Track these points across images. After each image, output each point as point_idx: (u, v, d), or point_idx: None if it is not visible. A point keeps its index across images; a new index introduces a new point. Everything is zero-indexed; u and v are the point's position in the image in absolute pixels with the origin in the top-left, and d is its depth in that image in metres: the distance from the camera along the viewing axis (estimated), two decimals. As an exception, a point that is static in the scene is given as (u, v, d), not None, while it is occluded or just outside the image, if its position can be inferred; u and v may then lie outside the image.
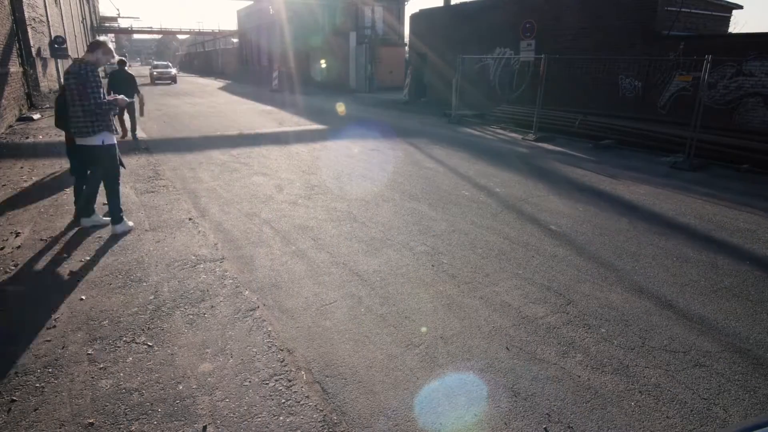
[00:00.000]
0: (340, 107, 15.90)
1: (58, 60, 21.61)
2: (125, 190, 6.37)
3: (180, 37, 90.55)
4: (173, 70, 35.22)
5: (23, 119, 12.52)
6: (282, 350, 2.95)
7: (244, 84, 34.41)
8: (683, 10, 11.84)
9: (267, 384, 2.65)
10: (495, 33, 15.76)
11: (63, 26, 26.13)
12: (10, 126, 11.55)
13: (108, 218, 4.87)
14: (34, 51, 17.20)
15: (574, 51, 13.03)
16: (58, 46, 18.71)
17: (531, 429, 2.38)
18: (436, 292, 3.77)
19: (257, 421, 2.38)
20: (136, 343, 2.98)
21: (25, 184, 6.54)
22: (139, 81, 10.60)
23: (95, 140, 4.52)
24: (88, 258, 4.21)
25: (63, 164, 7.77)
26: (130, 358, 2.83)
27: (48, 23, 21.28)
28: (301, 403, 2.51)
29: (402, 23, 28.35)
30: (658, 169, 8.45)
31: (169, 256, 4.28)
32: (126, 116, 10.18)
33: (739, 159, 8.48)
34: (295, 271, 4.10)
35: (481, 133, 12.41)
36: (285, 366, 2.80)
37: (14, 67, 12.73)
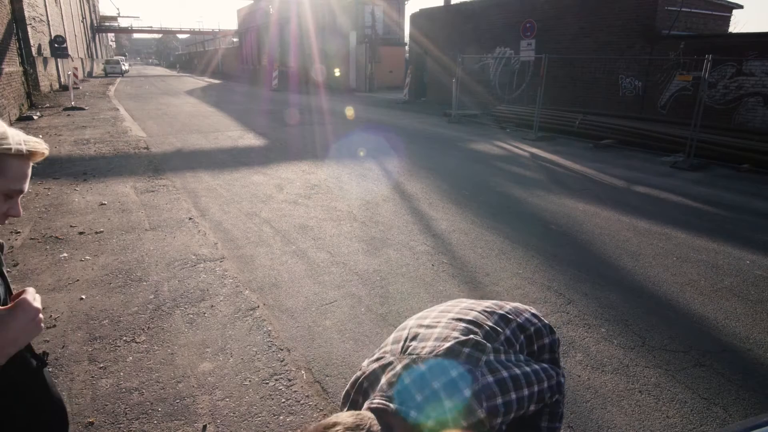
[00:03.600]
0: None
1: (58, 59, 21.63)
2: (125, 189, 6.37)
3: (180, 36, 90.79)
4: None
5: (23, 119, 12.52)
6: (282, 350, 2.95)
7: (244, 83, 34.42)
8: (683, 9, 11.84)
9: (267, 383, 2.65)
10: (495, 32, 15.77)
11: (63, 25, 26.15)
12: (10, 125, 11.54)
13: None
14: (34, 50, 17.22)
15: (574, 51, 13.04)
16: (58, 46, 18.73)
17: (531, 429, 2.38)
18: (436, 291, 3.77)
19: (257, 420, 2.38)
20: (136, 342, 2.98)
21: (25, 184, 6.53)
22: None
23: None
24: (88, 257, 4.21)
25: (62, 164, 7.78)
26: (130, 358, 2.83)
27: (48, 22, 21.29)
28: (301, 402, 2.51)
29: (402, 23, 28.36)
30: (658, 168, 8.45)
31: (169, 256, 4.28)
32: None
33: (739, 159, 8.48)
34: (295, 270, 4.10)
35: (481, 133, 12.41)
36: (285, 365, 2.80)
37: (14, 67, 12.74)
